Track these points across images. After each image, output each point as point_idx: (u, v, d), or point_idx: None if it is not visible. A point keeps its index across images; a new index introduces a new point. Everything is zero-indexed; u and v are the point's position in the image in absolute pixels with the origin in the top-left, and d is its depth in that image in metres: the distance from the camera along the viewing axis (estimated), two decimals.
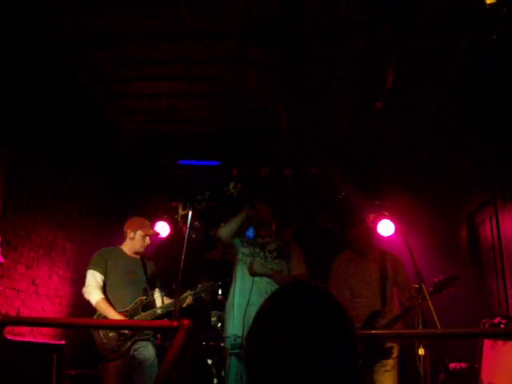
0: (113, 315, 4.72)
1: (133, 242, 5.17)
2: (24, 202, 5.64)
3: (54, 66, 5.75)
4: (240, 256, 4.96)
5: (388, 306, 4.76)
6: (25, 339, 5.36)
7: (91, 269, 4.98)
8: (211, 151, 7.96)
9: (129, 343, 4.77)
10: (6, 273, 5.33)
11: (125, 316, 4.80)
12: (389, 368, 4.57)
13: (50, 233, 6.22)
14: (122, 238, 5.26)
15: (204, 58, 5.69)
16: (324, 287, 1.37)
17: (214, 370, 6.90)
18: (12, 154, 5.29)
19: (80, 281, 6.75)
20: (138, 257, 5.23)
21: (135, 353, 4.83)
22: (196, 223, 7.63)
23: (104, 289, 4.93)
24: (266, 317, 1.32)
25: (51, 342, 5.63)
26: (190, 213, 4.65)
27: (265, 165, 7.81)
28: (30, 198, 5.74)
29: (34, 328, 5.74)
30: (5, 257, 5.08)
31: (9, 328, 4.85)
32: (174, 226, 7.01)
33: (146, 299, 4.99)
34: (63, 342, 5.37)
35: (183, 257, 4.25)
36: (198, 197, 4.78)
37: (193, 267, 6.46)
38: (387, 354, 4.57)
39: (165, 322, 4.58)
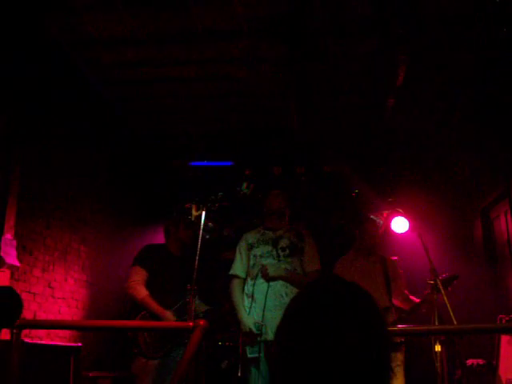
0: (161, 312, 4.62)
1: (177, 240, 5.10)
2: (38, 206, 5.67)
3: (64, 69, 5.79)
4: (252, 261, 4.76)
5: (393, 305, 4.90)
6: (42, 342, 5.38)
7: (136, 265, 4.85)
8: (223, 151, 7.98)
9: (169, 345, 4.65)
10: (22, 276, 5.35)
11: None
12: (399, 363, 4.67)
13: (64, 236, 6.24)
14: (156, 236, 5.21)
15: (215, 58, 5.70)
16: (356, 284, 1.34)
17: (229, 372, 6.84)
18: (26, 157, 5.32)
19: (95, 283, 6.84)
20: (182, 255, 5.08)
21: (172, 355, 4.67)
22: (210, 224, 7.62)
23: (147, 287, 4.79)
24: (296, 317, 1.29)
25: (68, 344, 5.65)
26: (204, 213, 4.63)
27: (277, 164, 7.81)
28: (43, 201, 5.77)
29: (51, 331, 5.76)
30: (20, 261, 5.11)
31: (26, 331, 4.87)
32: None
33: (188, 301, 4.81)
34: (80, 344, 5.39)
35: (197, 257, 4.25)
36: (211, 197, 4.74)
37: (208, 267, 6.47)
38: (398, 347, 4.68)
39: (181, 322, 4.57)
